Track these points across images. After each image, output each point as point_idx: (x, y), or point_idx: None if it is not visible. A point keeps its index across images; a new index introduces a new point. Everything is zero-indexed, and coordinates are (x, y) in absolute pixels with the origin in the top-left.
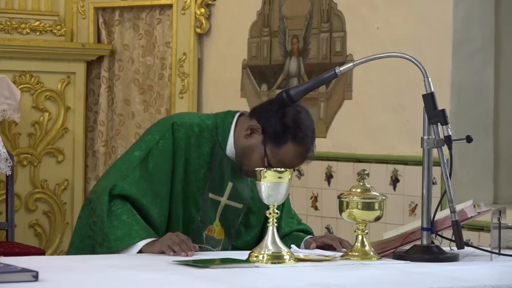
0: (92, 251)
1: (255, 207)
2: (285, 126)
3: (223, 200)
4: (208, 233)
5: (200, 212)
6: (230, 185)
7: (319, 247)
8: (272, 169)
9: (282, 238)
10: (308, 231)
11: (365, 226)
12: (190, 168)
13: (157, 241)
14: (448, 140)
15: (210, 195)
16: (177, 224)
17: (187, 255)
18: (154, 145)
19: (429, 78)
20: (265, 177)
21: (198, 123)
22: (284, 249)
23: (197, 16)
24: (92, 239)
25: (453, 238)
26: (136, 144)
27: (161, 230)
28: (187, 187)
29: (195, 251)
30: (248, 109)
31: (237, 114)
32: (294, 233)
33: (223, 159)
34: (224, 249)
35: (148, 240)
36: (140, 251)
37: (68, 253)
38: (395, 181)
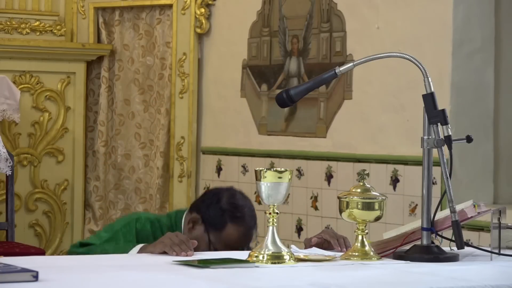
0: None
1: None
2: (222, 210)
3: None
4: None
5: None
6: None
7: (319, 243)
8: (272, 169)
9: None
10: None
11: (365, 226)
12: None
13: (157, 241)
14: (448, 140)
15: None
16: None
17: (187, 255)
18: (118, 229)
19: (429, 78)
20: (265, 177)
21: (158, 222)
22: (284, 249)
23: (197, 16)
24: None
25: (453, 238)
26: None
27: None
28: None
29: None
30: (248, 110)
31: (186, 212)
32: None
33: None
34: None
35: (141, 244)
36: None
37: None
38: (395, 181)
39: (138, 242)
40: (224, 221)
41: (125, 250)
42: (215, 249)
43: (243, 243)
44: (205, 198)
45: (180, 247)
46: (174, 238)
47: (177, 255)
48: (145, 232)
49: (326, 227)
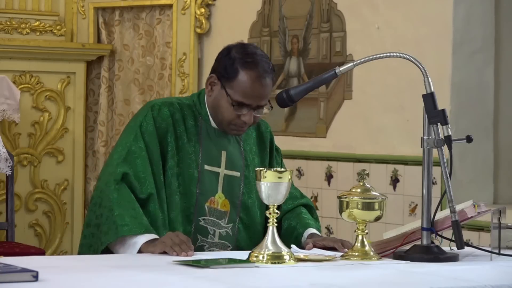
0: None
1: (250, 175)
2: (232, 59)
3: (221, 170)
4: (210, 205)
5: (197, 185)
6: (224, 154)
7: (319, 249)
8: (272, 169)
9: (285, 214)
10: (309, 205)
11: (365, 226)
12: (181, 143)
13: (158, 241)
14: (448, 140)
15: (206, 167)
16: (174, 199)
17: (187, 255)
18: (137, 128)
19: (429, 78)
20: (265, 177)
21: (177, 102)
22: (284, 249)
23: (197, 16)
24: (88, 237)
25: (453, 238)
26: (124, 131)
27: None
28: (181, 162)
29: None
30: None
31: None
32: (299, 214)
33: (209, 130)
34: (231, 220)
35: (149, 236)
36: (139, 251)
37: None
38: (395, 181)
39: (160, 141)
40: (236, 69)
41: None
42: (234, 102)
43: (261, 89)
44: (218, 57)
45: (180, 247)
46: (175, 238)
47: (177, 255)
48: (163, 123)
49: (326, 228)
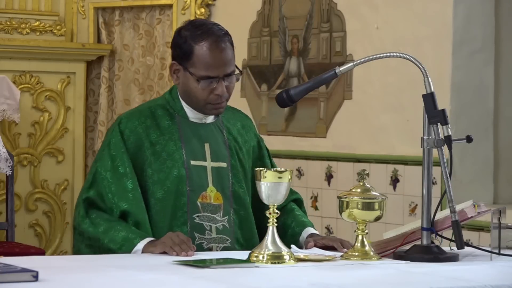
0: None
1: (237, 164)
2: (184, 37)
3: (208, 163)
4: (202, 201)
5: (187, 182)
6: (207, 146)
7: (319, 248)
8: (272, 169)
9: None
10: (299, 200)
11: (365, 226)
12: (158, 147)
13: (158, 241)
14: (448, 140)
15: (192, 162)
16: (167, 202)
17: (187, 255)
18: (106, 147)
19: (429, 78)
20: (265, 177)
21: (148, 107)
22: (284, 249)
23: (197, 16)
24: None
25: (453, 238)
26: (98, 152)
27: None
28: (163, 166)
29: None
30: (248, 110)
31: None
32: (292, 211)
33: (188, 125)
34: (226, 213)
35: (146, 240)
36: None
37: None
38: (395, 181)
39: (134, 153)
40: (190, 46)
41: (128, 241)
42: (203, 80)
43: (223, 56)
44: (172, 42)
45: (180, 247)
46: (175, 238)
47: (177, 255)
48: (132, 135)
49: (326, 227)
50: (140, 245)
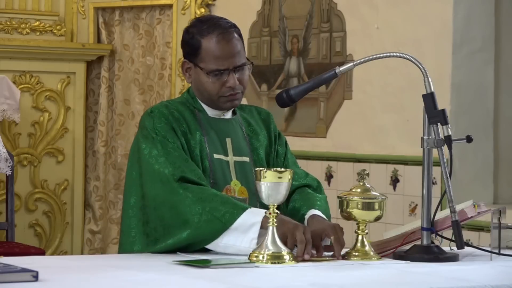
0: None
1: (259, 159)
2: (191, 34)
3: (230, 158)
4: (227, 194)
5: (210, 174)
6: (229, 141)
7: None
8: (272, 169)
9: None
10: (312, 186)
11: (365, 226)
12: (189, 137)
13: (286, 227)
14: (448, 140)
15: (215, 155)
16: None
17: (303, 258)
18: (153, 134)
19: (429, 78)
20: (265, 177)
21: (169, 103)
22: (284, 249)
23: (197, 16)
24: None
25: (453, 238)
26: (135, 149)
27: None
28: (193, 154)
29: None
30: None
31: None
32: (303, 194)
33: (208, 120)
34: (252, 206)
35: (253, 211)
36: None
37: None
38: (395, 181)
39: (173, 127)
40: (197, 41)
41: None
42: (213, 73)
43: (230, 47)
44: (181, 42)
45: (301, 247)
46: (308, 235)
47: (297, 254)
48: (168, 121)
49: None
50: (257, 217)
